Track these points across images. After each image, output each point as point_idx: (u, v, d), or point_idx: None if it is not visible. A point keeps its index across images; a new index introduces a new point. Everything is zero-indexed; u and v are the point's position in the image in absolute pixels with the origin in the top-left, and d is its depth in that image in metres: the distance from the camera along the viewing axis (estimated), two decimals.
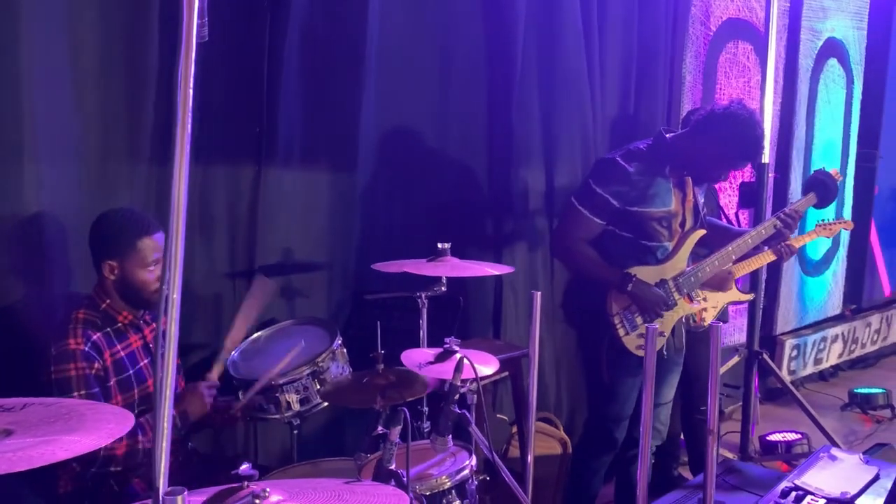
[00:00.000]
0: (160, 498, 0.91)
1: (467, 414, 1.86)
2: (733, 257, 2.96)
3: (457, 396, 1.86)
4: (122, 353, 2.21)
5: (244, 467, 1.31)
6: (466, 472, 1.96)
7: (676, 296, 2.87)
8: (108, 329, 2.19)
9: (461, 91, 3.44)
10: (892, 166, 5.83)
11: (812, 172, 3.48)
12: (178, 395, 2.35)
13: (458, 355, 2.19)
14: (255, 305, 2.58)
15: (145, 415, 2.25)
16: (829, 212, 5.30)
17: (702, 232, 2.89)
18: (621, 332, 2.82)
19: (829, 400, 5.33)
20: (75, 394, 2.03)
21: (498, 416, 3.81)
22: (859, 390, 5.10)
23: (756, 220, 4.16)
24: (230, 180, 2.81)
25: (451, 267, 2.63)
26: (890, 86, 5.55)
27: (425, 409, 2.81)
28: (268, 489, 1.31)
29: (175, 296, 1.06)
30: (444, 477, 1.91)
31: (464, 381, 2.46)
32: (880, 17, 5.43)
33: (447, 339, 2.17)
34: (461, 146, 3.49)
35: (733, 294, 3.56)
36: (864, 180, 5.63)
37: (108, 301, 2.20)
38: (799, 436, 4.29)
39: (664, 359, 2.93)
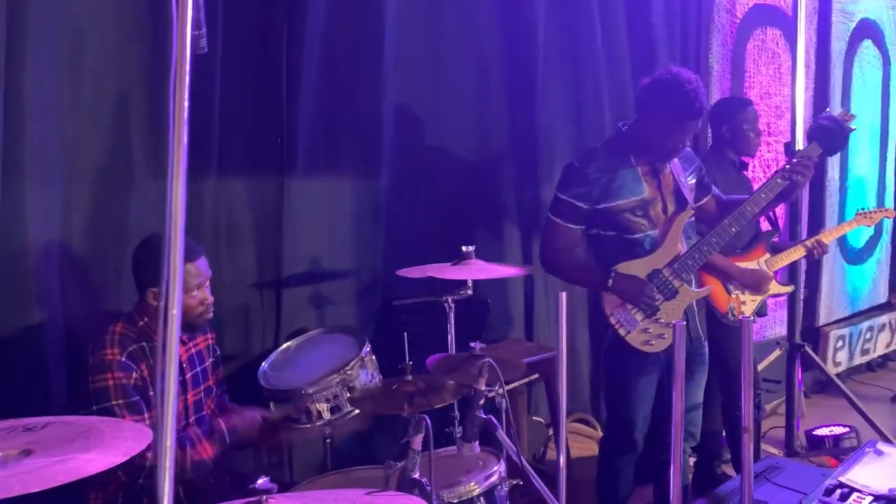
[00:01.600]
0: None
1: (493, 419, 1.83)
2: (732, 230, 2.82)
3: (482, 401, 1.82)
4: (154, 370, 2.22)
5: (261, 481, 1.29)
6: (495, 478, 1.92)
7: (676, 283, 2.77)
8: (144, 344, 2.20)
9: (482, 92, 3.42)
10: None
11: (812, 122, 3.15)
12: (230, 412, 2.38)
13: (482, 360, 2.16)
14: None
15: (190, 428, 2.28)
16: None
17: (689, 213, 2.79)
18: (622, 331, 2.75)
19: (879, 391, 5.16)
20: (113, 403, 2.05)
21: (534, 418, 3.77)
22: None
23: (791, 209, 4.05)
24: (254, 192, 2.83)
25: (477, 270, 2.60)
26: None
27: (456, 414, 2.78)
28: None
29: (175, 311, 1.05)
30: (472, 483, 1.88)
31: (489, 386, 2.43)
32: None
33: (473, 344, 2.14)
34: (484, 147, 3.47)
35: (773, 287, 3.48)
36: None
37: (146, 320, 2.22)
38: (847, 429, 4.15)
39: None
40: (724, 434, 3.79)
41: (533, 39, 3.44)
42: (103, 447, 1.28)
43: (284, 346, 2.86)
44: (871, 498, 2.08)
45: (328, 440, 2.73)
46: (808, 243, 3.52)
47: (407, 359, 2.48)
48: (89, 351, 2.11)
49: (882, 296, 5.50)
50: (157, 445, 0.94)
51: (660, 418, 3.04)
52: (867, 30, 4.98)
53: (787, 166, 2.88)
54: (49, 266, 2.30)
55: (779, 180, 2.86)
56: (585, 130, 3.65)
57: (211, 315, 2.31)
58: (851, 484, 2.13)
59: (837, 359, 5.11)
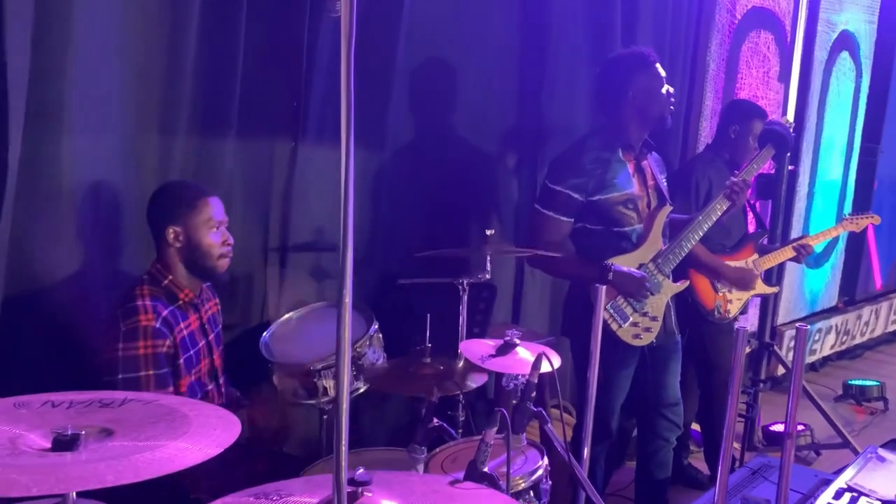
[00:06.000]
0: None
1: (543, 412, 1.80)
2: (705, 227, 2.91)
3: (533, 394, 1.79)
4: (185, 332, 2.14)
5: (358, 471, 1.23)
6: (541, 471, 1.90)
7: (660, 277, 2.83)
8: (174, 308, 2.12)
9: (493, 74, 3.36)
10: (892, 161, 5.89)
11: (764, 127, 3.40)
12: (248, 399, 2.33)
13: (518, 347, 2.14)
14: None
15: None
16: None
17: (669, 208, 2.85)
18: (614, 326, 2.78)
19: (821, 390, 5.37)
20: (142, 373, 1.96)
21: (513, 401, 3.77)
22: (854, 382, 5.16)
23: (774, 211, 4.16)
24: (266, 155, 2.71)
25: (495, 253, 2.56)
26: (895, 80, 5.58)
27: (461, 398, 2.74)
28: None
29: (347, 300, 0.99)
30: (518, 477, 1.86)
31: (514, 375, 2.41)
32: (891, 11, 5.44)
33: (508, 332, 2.11)
34: (491, 130, 3.43)
35: (758, 287, 3.56)
36: (865, 174, 5.67)
37: (169, 277, 2.13)
38: (802, 427, 4.33)
39: (655, 346, 2.90)
40: (693, 427, 3.91)
41: (546, 26, 3.41)
42: (192, 435, 1.20)
43: (286, 316, 2.77)
44: (879, 503, 2.16)
45: (325, 416, 2.66)
46: (796, 246, 3.62)
47: (427, 341, 2.45)
48: (119, 315, 2.00)
49: (832, 300, 5.73)
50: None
51: (645, 410, 3.10)
52: (846, 42, 5.12)
53: (727, 190, 2.96)
54: (83, 214, 2.20)
55: (724, 200, 2.94)
56: (588, 121, 3.64)
57: (229, 261, 2.22)
58: (860, 488, 2.20)
59: (789, 357, 5.30)
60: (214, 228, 2.14)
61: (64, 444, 1.13)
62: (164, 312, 2.06)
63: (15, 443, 1.11)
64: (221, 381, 2.29)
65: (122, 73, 2.24)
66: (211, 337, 2.28)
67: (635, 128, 2.79)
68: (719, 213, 2.94)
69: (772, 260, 3.61)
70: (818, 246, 5.34)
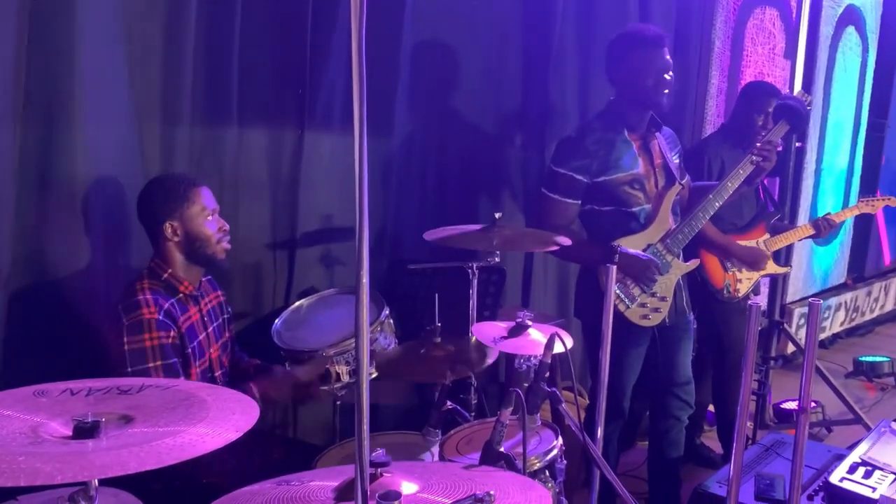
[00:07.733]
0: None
1: (557, 392, 1.81)
2: (716, 205, 2.89)
3: (547, 374, 1.80)
4: (188, 324, 2.13)
5: (377, 452, 1.24)
6: (556, 451, 1.91)
7: (669, 257, 2.83)
8: (174, 300, 2.11)
9: (498, 59, 3.35)
10: None
11: (778, 101, 3.19)
12: (259, 372, 2.31)
13: (530, 329, 2.14)
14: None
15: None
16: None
17: (678, 188, 2.84)
18: (621, 307, 2.78)
19: (831, 367, 5.37)
20: (150, 365, 1.96)
21: (525, 384, 3.78)
22: (865, 358, 5.15)
23: (782, 189, 4.14)
24: (273, 143, 2.71)
25: (504, 238, 2.55)
26: None
27: (473, 381, 2.76)
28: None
29: (365, 280, 0.99)
30: (533, 457, 1.86)
31: (527, 356, 2.41)
32: None
33: (520, 314, 2.11)
34: (496, 114, 3.42)
35: (769, 266, 3.55)
36: (873, 150, 5.63)
37: (169, 270, 2.13)
38: (813, 404, 4.33)
39: (667, 326, 2.89)
40: (710, 409, 3.91)
41: (552, 7, 3.38)
42: (211, 419, 1.20)
43: (296, 304, 2.78)
44: (893, 476, 2.16)
45: (338, 402, 2.67)
46: (816, 222, 3.61)
47: (436, 319, 2.45)
48: (121, 310, 2.00)
49: (841, 277, 5.71)
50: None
51: (657, 390, 3.10)
52: (851, 16, 5.07)
53: (755, 149, 2.93)
54: (89, 205, 2.20)
55: (752, 158, 2.92)
56: (595, 102, 3.62)
57: (228, 245, 2.22)
58: (874, 462, 2.20)
59: (798, 335, 5.30)
60: (209, 217, 2.15)
61: (85, 431, 1.13)
62: (166, 305, 2.05)
63: (37, 431, 1.12)
64: (218, 374, 2.28)
65: (125, 65, 2.23)
66: (210, 329, 2.27)
67: (634, 108, 2.77)
68: (731, 191, 2.92)
69: (784, 240, 3.58)
70: None
